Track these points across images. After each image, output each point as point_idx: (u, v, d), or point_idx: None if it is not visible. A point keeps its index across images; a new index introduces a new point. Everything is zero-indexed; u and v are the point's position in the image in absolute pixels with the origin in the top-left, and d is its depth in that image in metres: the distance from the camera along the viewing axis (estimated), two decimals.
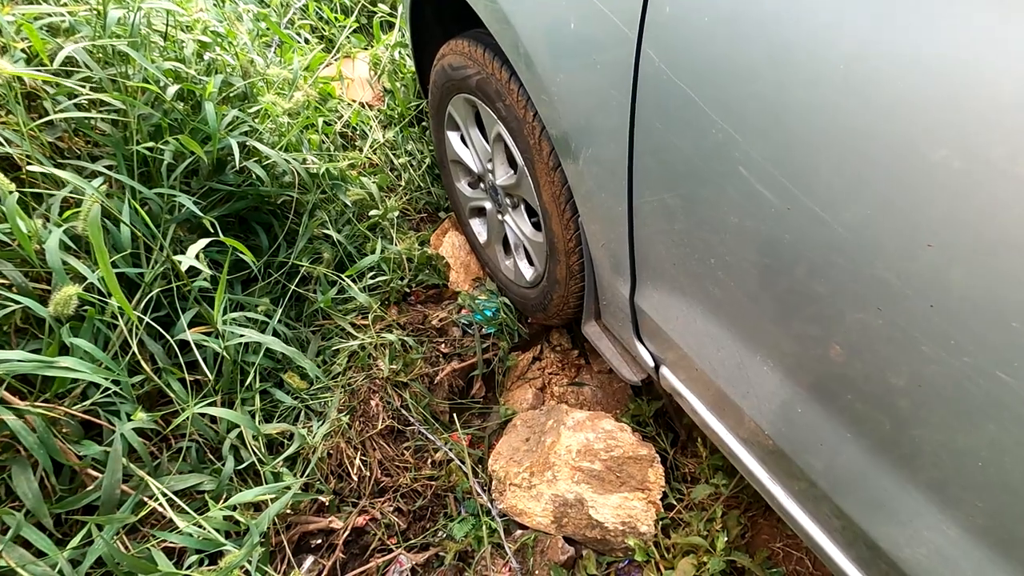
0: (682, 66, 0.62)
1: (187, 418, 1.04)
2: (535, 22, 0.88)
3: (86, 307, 0.99)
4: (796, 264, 0.58)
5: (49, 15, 1.08)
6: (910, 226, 0.46)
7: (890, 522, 0.62)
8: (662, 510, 1.20)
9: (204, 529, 0.96)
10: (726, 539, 1.05)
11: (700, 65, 0.60)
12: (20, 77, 0.85)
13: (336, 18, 2.31)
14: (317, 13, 2.30)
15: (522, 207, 1.35)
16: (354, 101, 2.04)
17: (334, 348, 1.45)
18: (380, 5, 2.29)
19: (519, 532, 1.32)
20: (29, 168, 0.89)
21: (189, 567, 0.96)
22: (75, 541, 0.91)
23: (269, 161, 1.31)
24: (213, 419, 1.21)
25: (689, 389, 0.93)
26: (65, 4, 1.17)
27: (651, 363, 1.00)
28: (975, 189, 0.43)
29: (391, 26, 2.28)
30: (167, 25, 1.23)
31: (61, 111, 1.02)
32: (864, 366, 0.55)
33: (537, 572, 1.25)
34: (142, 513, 0.94)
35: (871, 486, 0.61)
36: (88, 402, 1.02)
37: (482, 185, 1.50)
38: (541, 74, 0.90)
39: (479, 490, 1.36)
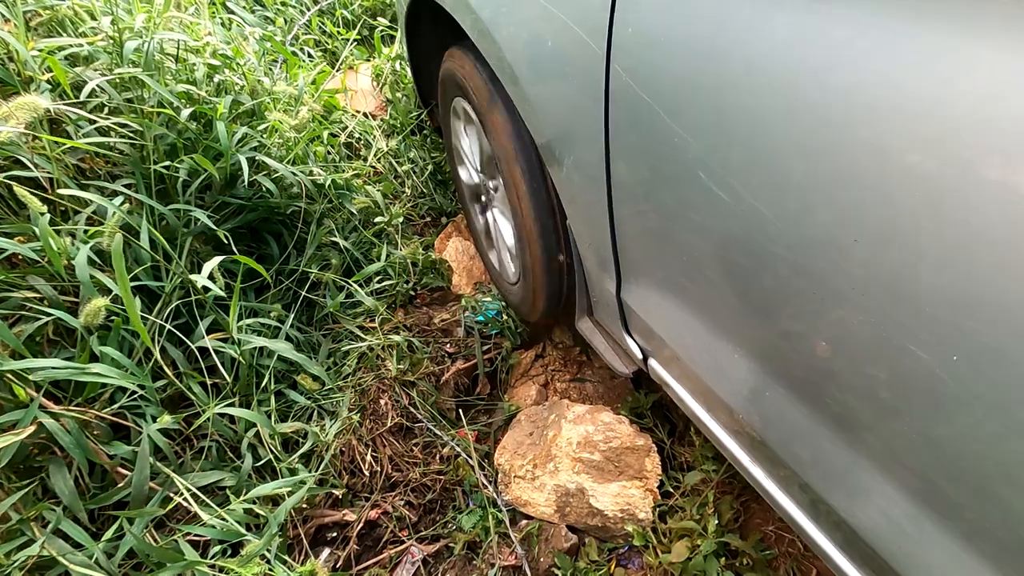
0: (644, 79, 0.67)
1: (208, 418, 1.12)
2: (517, 40, 0.94)
3: (112, 317, 1.07)
4: (747, 257, 0.63)
5: (70, 46, 1.16)
6: (837, 222, 0.51)
7: (845, 490, 0.67)
8: (659, 497, 1.25)
9: (226, 521, 1.03)
10: (717, 522, 1.10)
11: (659, 78, 0.65)
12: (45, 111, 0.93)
13: (339, 32, 2.39)
14: (320, 28, 2.38)
15: (506, 204, 1.43)
16: (357, 112, 2.11)
17: (344, 350, 1.52)
18: (380, 19, 2.36)
19: (524, 522, 1.37)
20: (60, 192, 0.96)
21: (213, 557, 1.03)
22: (108, 534, 0.98)
23: (278, 174, 1.38)
24: (232, 420, 1.28)
25: (674, 378, 0.98)
26: (84, 34, 1.25)
27: (640, 355, 1.06)
28: (898, 186, 0.48)
29: (391, 39, 2.35)
30: (178, 50, 1.31)
31: (84, 136, 1.10)
32: (811, 350, 0.61)
33: (542, 559, 1.30)
34: (169, 507, 1.02)
35: (830, 459, 0.66)
36: (116, 406, 1.10)
37: (477, 179, 1.57)
38: (525, 87, 0.96)
39: (485, 482, 1.42)
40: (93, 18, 1.28)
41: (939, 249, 0.46)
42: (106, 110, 1.24)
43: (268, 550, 1.01)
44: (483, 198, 1.60)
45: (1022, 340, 0.43)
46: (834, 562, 0.77)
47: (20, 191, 0.86)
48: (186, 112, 1.17)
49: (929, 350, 0.49)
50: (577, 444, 1.32)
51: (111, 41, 1.21)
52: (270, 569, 0.96)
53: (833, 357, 0.59)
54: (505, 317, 1.68)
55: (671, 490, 1.26)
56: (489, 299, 1.72)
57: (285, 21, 2.22)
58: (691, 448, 1.33)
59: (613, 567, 1.23)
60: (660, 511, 1.23)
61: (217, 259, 1.06)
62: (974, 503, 0.53)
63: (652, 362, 1.05)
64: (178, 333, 1.12)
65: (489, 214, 1.57)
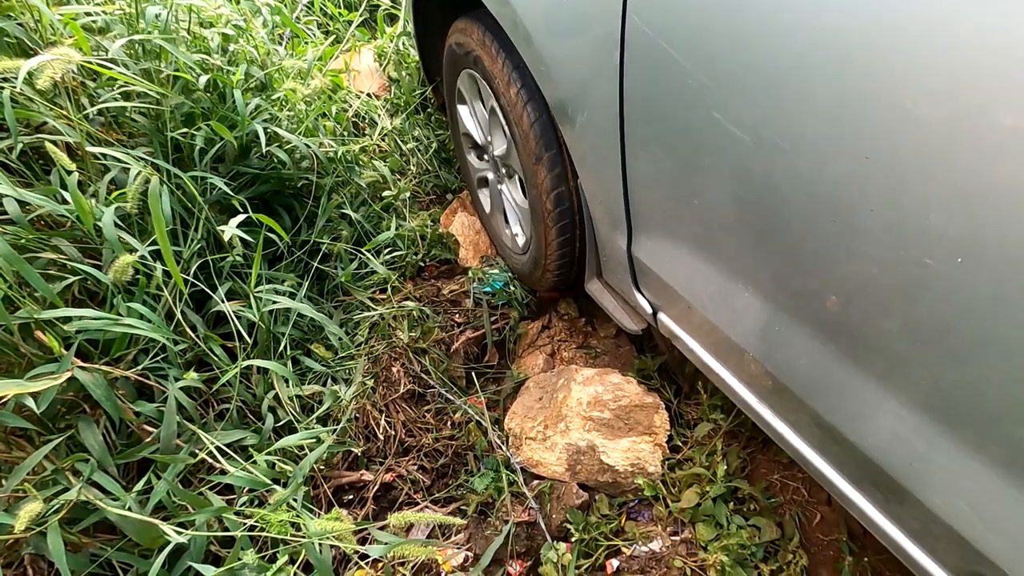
0: (661, 25, 0.71)
1: (231, 378, 1.15)
2: (531, 0, 0.97)
3: (136, 278, 1.09)
4: (764, 195, 0.67)
5: (87, 15, 1.18)
6: (850, 147, 0.55)
7: (861, 419, 0.71)
8: (668, 452, 1.29)
9: (252, 474, 1.06)
10: (725, 468, 1.14)
11: (676, 23, 0.69)
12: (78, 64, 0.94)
13: (340, 13, 2.40)
14: (322, 9, 2.39)
15: (516, 177, 1.46)
16: (361, 92, 2.13)
17: (356, 319, 1.55)
18: None
19: (536, 482, 1.41)
20: (88, 149, 0.99)
21: (241, 506, 1.06)
22: (139, 485, 1.02)
23: (290, 145, 1.41)
24: (250, 384, 1.31)
25: (684, 330, 1.02)
26: (100, 3, 1.27)
27: (649, 310, 1.09)
28: (903, 111, 0.52)
29: (394, 18, 2.37)
30: (189, 22, 1.33)
31: (103, 103, 1.12)
32: (825, 279, 0.65)
33: (554, 516, 1.34)
34: (197, 459, 1.05)
35: (839, 385, 0.70)
36: (140, 367, 1.13)
37: (486, 156, 1.60)
38: (539, 47, 0.99)
39: (498, 443, 1.46)
40: None
41: (956, 182, 0.49)
42: (119, 82, 1.26)
43: (294, 499, 1.04)
44: (487, 164, 1.63)
45: None
46: (841, 492, 0.82)
47: (51, 148, 0.88)
48: (203, 79, 1.19)
49: (947, 278, 0.53)
50: (587, 403, 1.35)
51: (126, 11, 1.23)
52: (297, 516, 0.99)
53: (852, 287, 0.62)
54: (512, 288, 1.71)
55: (680, 444, 1.30)
56: (496, 271, 1.75)
57: (289, 2, 2.23)
58: (697, 406, 1.38)
59: (624, 520, 1.27)
60: (669, 464, 1.27)
61: (241, 216, 1.09)
62: (990, 421, 0.56)
63: (661, 316, 1.08)
64: (205, 288, 1.16)
65: (496, 184, 1.60)
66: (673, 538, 1.18)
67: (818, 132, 0.58)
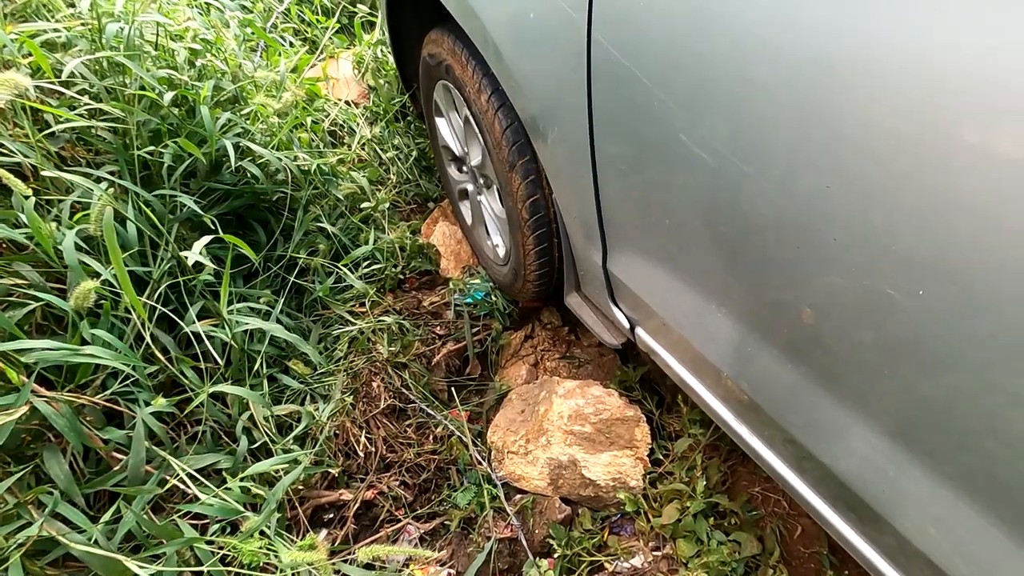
0: (625, 46, 0.69)
1: (202, 402, 1.12)
2: (500, 15, 0.96)
3: (101, 302, 1.07)
4: (731, 217, 0.65)
5: (47, 31, 1.15)
6: (814, 173, 0.54)
7: (831, 441, 0.70)
8: (650, 465, 1.28)
9: (224, 500, 1.04)
10: (705, 484, 1.14)
11: (639, 44, 0.68)
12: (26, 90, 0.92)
13: (317, 20, 2.37)
14: (299, 16, 2.36)
15: (494, 187, 1.44)
16: (340, 100, 2.10)
17: (335, 335, 1.53)
18: (360, 6, 2.35)
19: (518, 496, 1.40)
20: (43, 174, 0.96)
21: (212, 534, 1.04)
22: (107, 516, 0.99)
23: (263, 160, 1.38)
24: (225, 404, 1.29)
25: (661, 346, 1.01)
26: (60, 20, 1.24)
27: (627, 325, 1.08)
28: (864, 132, 0.51)
29: (372, 25, 2.35)
30: (156, 36, 1.30)
31: (64, 122, 1.09)
32: (793, 302, 0.64)
33: (537, 531, 1.33)
34: (167, 487, 1.02)
35: (810, 408, 0.69)
36: (108, 392, 1.10)
37: (465, 168, 1.59)
38: (508, 63, 0.97)
39: (479, 458, 1.44)
40: (71, 6, 1.26)
41: (919, 206, 0.49)
42: (87, 96, 1.23)
43: (267, 526, 1.02)
44: (467, 176, 1.61)
45: (998, 300, 0.46)
46: (817, 511, 0.81)
47: (3, 173, 0.86)
48: (168, 96, 1.17)
49: (911, 306, 0.52)
50: (568, 417, 1.34)
51: (89, 27, 1.20)
52: (270, 545, 0.97)
53: (819, 312, 0.61)
54: (494, 298, 1.70)
55: (661, 458, 1.30)
56: (477, 281, 1.73)
57: (265, 9, 2.20)
58: (679, 418, 1.37)
59: (606, 535, 1.26)
60: (651, 478, 1.26)
61: (207, 238, 1.06)
62: (956, 448, 0.56)
63: (639, 331, 1.07)
64: (170, 314, 1.13)
65: (476, 195, 1.59)
66: (655, 553, 1.18)
67: (779, 156, 0.57)
